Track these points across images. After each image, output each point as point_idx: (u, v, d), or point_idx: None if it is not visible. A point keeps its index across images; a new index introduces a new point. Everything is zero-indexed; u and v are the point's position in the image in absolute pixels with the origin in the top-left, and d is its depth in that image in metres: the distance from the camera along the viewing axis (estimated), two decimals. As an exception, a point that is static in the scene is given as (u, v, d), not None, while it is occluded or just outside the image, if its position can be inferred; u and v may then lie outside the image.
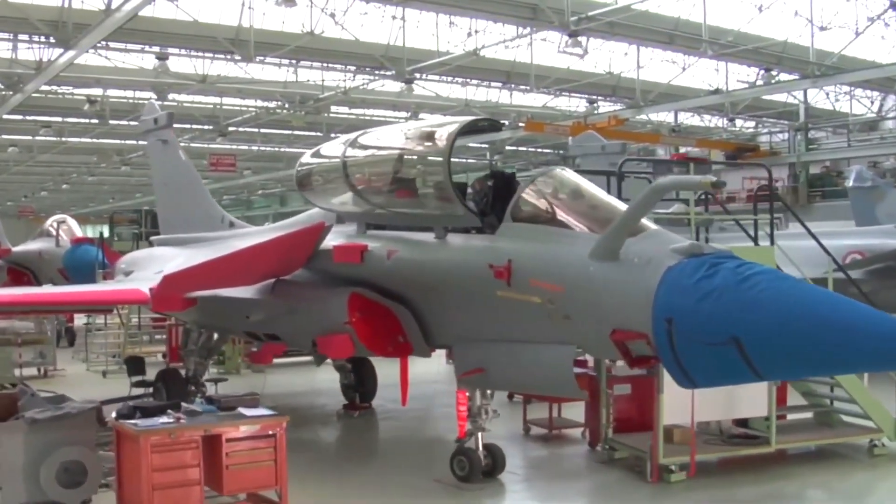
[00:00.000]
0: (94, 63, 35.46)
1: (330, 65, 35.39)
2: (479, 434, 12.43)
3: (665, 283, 9.16)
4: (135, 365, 17.90)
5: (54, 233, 28.01)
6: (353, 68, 36.10)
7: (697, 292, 8.93)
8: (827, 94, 46.24)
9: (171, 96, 39.53)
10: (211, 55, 33.62)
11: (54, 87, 38.40)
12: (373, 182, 12.69)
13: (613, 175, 13.65)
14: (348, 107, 44.64)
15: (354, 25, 32.36)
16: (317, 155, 13.94)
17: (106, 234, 37.19)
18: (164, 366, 23.69)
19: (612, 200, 11.08)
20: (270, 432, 10.25)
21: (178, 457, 9.81)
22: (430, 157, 12.10)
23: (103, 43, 30.07)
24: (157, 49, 31.82)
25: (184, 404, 10.64)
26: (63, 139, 48.33)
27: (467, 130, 11.90)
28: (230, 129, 45.86)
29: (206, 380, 17.26)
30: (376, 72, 35.00)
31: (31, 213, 71.79)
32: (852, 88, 44.72)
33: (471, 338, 11.63)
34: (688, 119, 50.85)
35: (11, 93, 35.89)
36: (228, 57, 33.47)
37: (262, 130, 50.61)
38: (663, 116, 48.69)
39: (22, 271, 29.41)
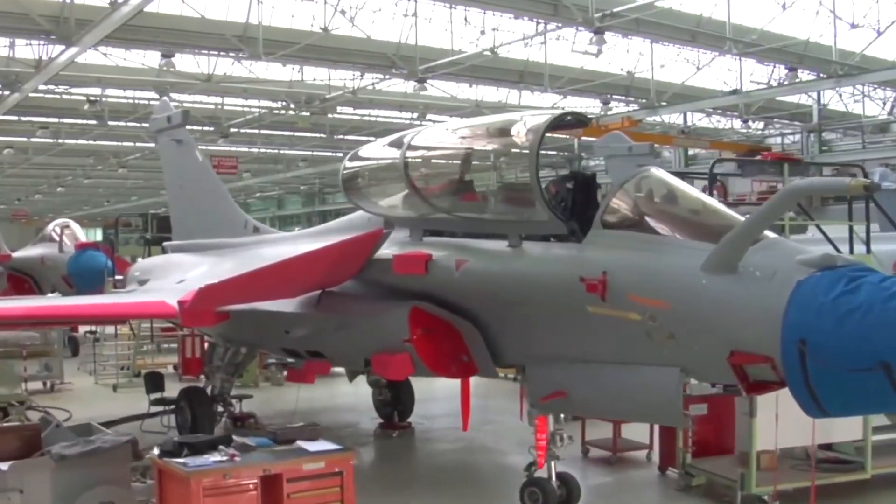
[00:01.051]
0: (94, 62, 34.03)
1: (340, 63, 33.92)
2: (553, 462, 11.08)
3: (796, 300, 7.88)
4: (153, 381, 16.44)
5: (57, 238, 26.43)
6: (363, 67, 34.67)
7: (837, 311, 7.66)
8: (840, 94, 45.04)
9: (173, 96, 37.97)
10: (217, 53, 32.11)
11: (51, 87, 36.77)
12: (438, 183, 11.33)
13: (704, 177, 12.28)
14: (353, 107, 43.15)
15: (366, 23, 31.03)
16: (367, 155, 12.57)
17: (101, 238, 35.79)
18: (178, 378, 22.47)
19: (718, 205, 9.76)
20: (337, 470, 8.89)
21: (233, 501, 8.44)
22: (512, 155, 10.72)
23: (106, 40, 28.74)
24: (162, 46, 30.44)
25: (235, 437, 9.26)
26: (60, 141, 46.67)
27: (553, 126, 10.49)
28: (232, 130, 44.37)
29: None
30: (391, 70, 33.54)
31: (24, 216, 69.73)
32: (869, 89, 43.60)
33: (550, 357, 10.29)
34: (698, 121, 49.66)
35: (8, 92, 34.38)
36: (234, 55, 32.10)
37: (263, 132, 49.10)
38: (675, 118, 47.50)
39: (22, 278, 27.87)
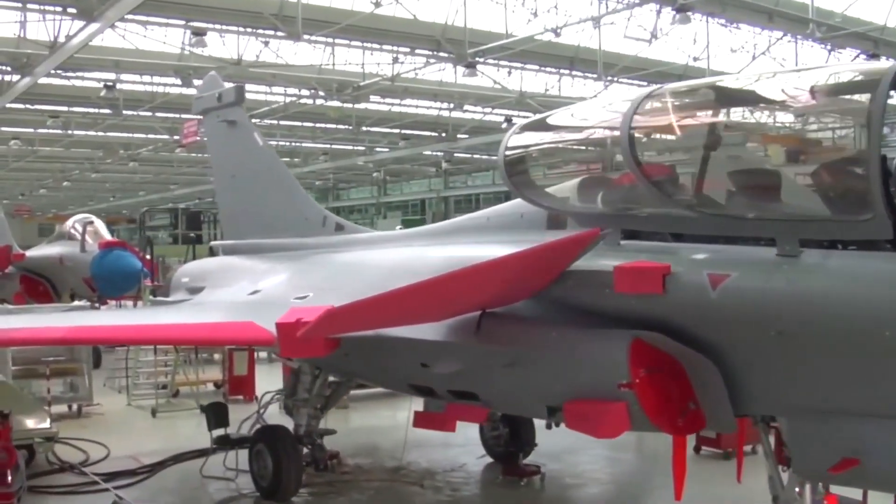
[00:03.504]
0: (110, 44, 30.50)
1: (384, 44, 30.45)
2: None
3: None
4: (217, 414, 12.90)
5: (78, 235, 22.75)
6: (405, 50, 31.22)
7: None
8: None
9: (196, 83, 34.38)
10: (251, 31, 28.63)
11: (59, 72, 33.03)
12: (687, 165, 7.86)
13: None
14: (382, 96, 39.52)
15: (411, 1, 27.56)
16: (557, 124, 9.09)
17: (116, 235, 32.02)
18: (223, 398, 18.99)
19: None
20: None
21: None
22: (831, 117, 7.27)
23: (130, 15, 25.29)
24: (190, 24, 26.98)
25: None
26: (70, 132, 42.99)
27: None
28: (253, 121, 40.79)
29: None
30: (436, 53, 30.10)
31: (27, 211, 65.31)
32: None
33: (837, 409, 6.95)
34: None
35: (18, 77, 30.75)
36: (270, 35, 28.64)
37: (284, 123, 45.45)
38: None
39: (37, 280, 24.25)
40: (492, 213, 10.43)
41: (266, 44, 30.81)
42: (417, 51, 30.85)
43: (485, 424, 13.55)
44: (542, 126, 9.28)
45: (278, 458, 11.42)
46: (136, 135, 47.28)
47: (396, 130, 45.81)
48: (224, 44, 30.36)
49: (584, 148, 8.64)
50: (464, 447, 14.41)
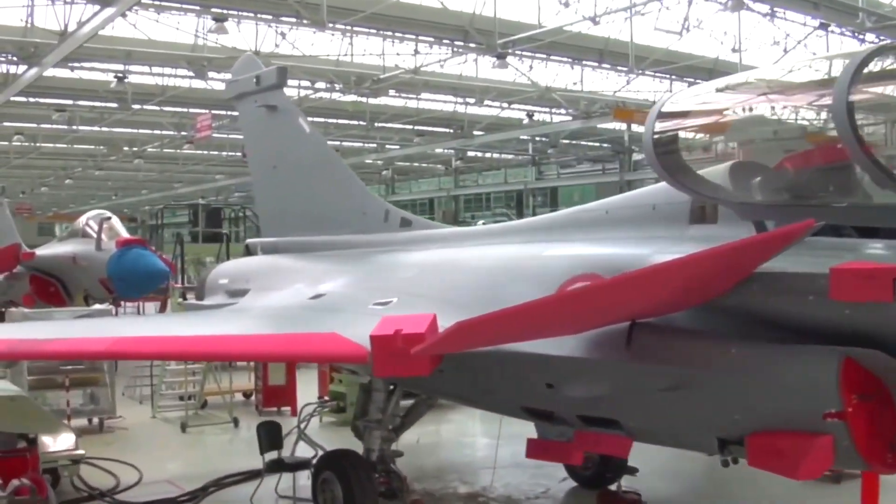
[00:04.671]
0: (120, 34, 28.78)
1: (409, 33, 28.83)
2: None
3: None
4: (270, 435, 11.18)
5: (93, 233, 20.95)
6: (429, 40, 29.59)
7: None
8: None
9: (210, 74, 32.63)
10: (272, 18, 26.98)
11: (67, 63, 31.22)
12: None
13: None
14: (398, 91, 37.74)
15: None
16: (716, 99, 7.42)
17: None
18: (255, 409, 17.32)
19: None
20: None
21: None
22: None
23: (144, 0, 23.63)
24: (210, 10, 25.31)
25: None
26: (74, 127, 41.14)
27: None
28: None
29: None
30: (466, 44, 28.46)
31: (27, 210, 63.06)
32: None
33: None
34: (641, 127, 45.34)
35: (25, 68, 28.98)
36: (288, 24, 27.06)
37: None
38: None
39: (47, 280, 22.48)
40: (611, 204, 8.78)
41: (283, 36, 29.27)
42: (444, 41, 29.24)
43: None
44: (706, 97, 7.60)
45: (350, 487, 9.71)
46: (142, 131, 45.53)
47: (410, 127, 44.05)
48: (240, 31, 28.74)
49: (777, 123, 6.95)
50: (539, 468, 12.69)
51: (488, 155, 56.56)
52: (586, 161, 54.21)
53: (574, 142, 49.91)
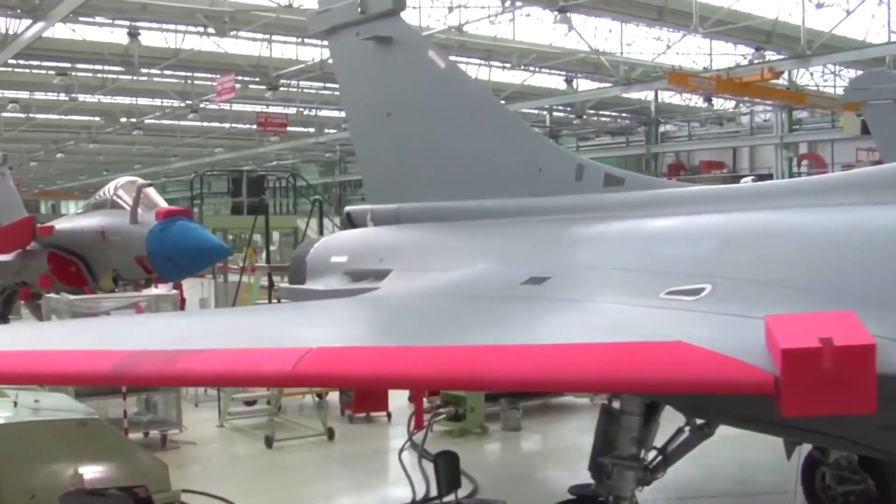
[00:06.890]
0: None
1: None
2: None
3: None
4: (448, 467, 7.95)
5: (125, 204, 17.17)
6: None
7: None
8: (811, 73, 40.07)
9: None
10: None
11: (72, 18, 27.47)
12: None
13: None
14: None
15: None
16: None
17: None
18: (341, 414, 14.05)
19: None
20: None
21: None
22: None
23: None
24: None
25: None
26: (73, 96, 37.29)
27: None
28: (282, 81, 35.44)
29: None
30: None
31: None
32: (838, 68, 38.67)
33: None
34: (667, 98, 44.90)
35: (31, 21, 25.29)
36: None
37: (305, 89, 39.92)
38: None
39: (68, 259, 18.74)
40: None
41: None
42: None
43: (825, 466, 8.76)
44: None
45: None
46: (142, 101, 41.70)
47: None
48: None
49: None
50: (754, 497, 9.63)
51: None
52: (605, 134, 51.08)
53: (598, 112, 46.81)
